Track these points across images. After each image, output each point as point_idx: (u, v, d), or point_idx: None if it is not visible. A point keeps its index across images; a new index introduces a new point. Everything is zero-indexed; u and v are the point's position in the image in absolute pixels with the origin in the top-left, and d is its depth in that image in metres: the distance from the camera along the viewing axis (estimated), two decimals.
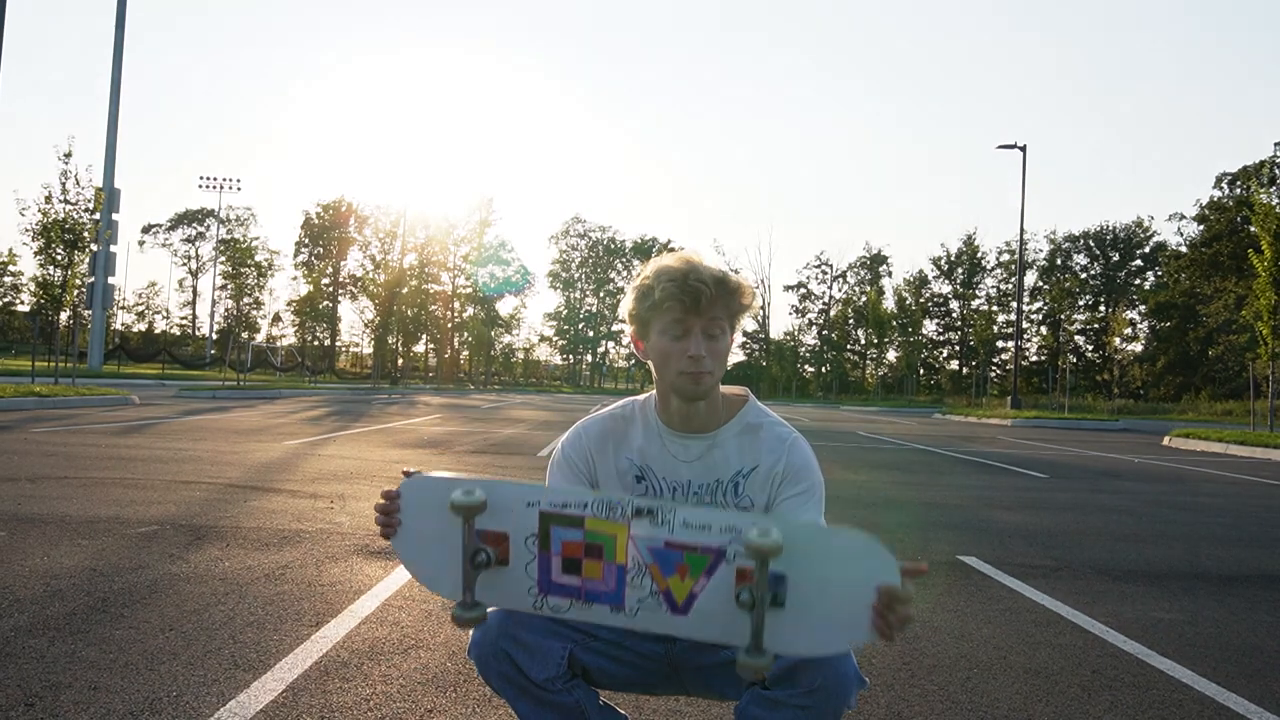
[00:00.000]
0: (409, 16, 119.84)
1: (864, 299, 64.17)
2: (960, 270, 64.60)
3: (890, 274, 67.16)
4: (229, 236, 70.79)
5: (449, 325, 65.80)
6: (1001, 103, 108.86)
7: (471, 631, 1.58)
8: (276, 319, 72.36)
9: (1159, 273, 59.12)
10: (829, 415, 28.03)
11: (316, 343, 71.55)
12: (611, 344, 73.56)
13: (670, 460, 1.65)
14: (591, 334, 73.01)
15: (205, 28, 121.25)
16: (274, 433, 10.53)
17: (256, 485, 5.92)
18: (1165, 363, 54.19)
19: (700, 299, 1.51)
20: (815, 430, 17.48)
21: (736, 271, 1.62)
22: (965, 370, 62.87)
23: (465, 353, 70.32)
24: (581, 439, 1.69)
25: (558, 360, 77.47)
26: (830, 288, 69.02)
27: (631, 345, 1.66)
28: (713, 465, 1.63)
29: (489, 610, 1.38)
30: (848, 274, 68.30)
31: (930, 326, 66.63)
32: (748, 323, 1.66)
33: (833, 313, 68.14)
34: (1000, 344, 59.89)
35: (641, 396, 1.71)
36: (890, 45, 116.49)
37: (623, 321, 1.66)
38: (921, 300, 64.85)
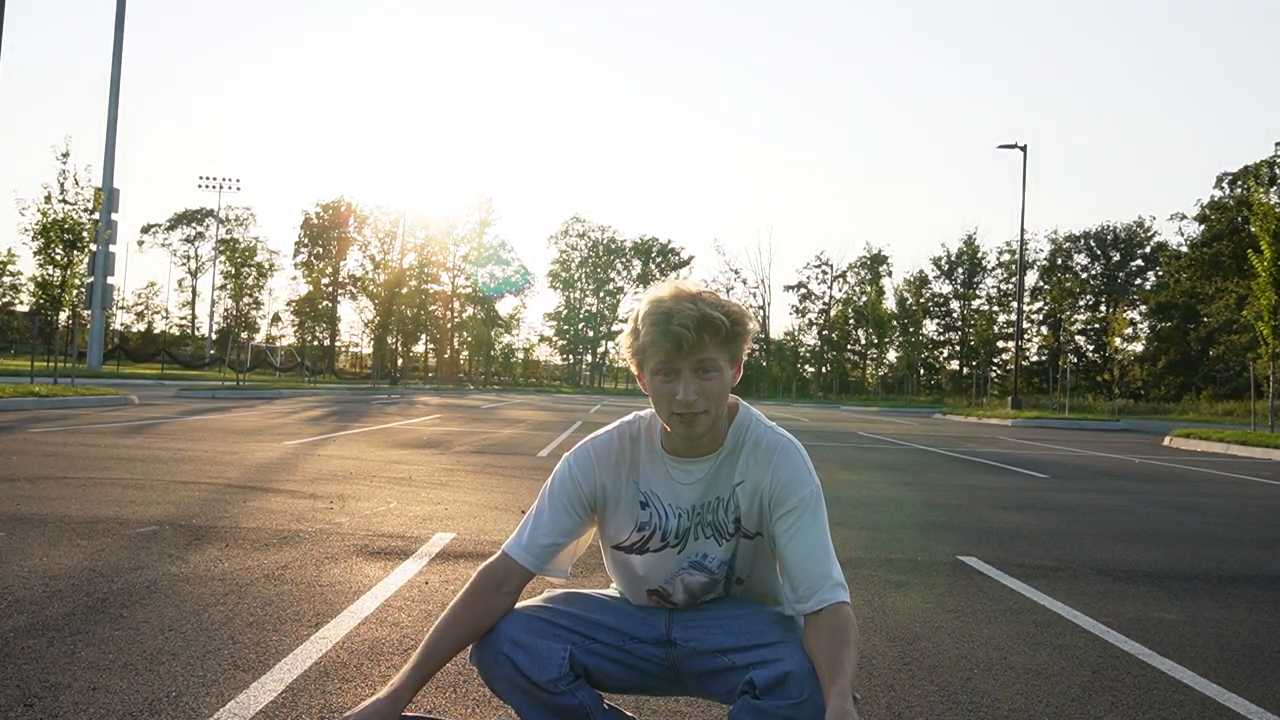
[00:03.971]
0: (409, 16, 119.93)
1: (864, 299, 64.09)
2: (960, 270, 64.54)
3: (890, 274, 67.07)
4: (228, 236, 70.78)
5: (449, 325, 65.73)
6: (1001, 103, 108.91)
7: None
8: (276, 319, 72.36)
9: (1159, 273, 59.06)
10: (829, 415, 28.02)
11: (316, 343, 71.51)
12: (611, 344, 73.42)
13: (674, 486, 1.65)
14: (591, 334, 72.92)
15: (205, 27, 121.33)
16: (273, 433, 10.52)
17: (256, 485, 5.92)
18: (1166, 363, 54.14)
19: (682, 344, 1.47)
20: (815, 430, 17.47)
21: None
22: (965, 370, 62.80)
23: (465, 353, 70.26)
24: (592, 463, 1.67)
25: (557, 360, 77.41)
26: (830, 288, 68.99)
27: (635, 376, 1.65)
28: (713, 483, 1.64)
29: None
30: (848, 274, 68.24)
31: (930, 326, 66.57)
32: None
33: (833, 313, 68.06)
34: (1001, 344, 59.84)
35: (646, 413, 1.70)
36: (891, 45, 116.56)
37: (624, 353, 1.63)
38: (922, 300, 64.76)
